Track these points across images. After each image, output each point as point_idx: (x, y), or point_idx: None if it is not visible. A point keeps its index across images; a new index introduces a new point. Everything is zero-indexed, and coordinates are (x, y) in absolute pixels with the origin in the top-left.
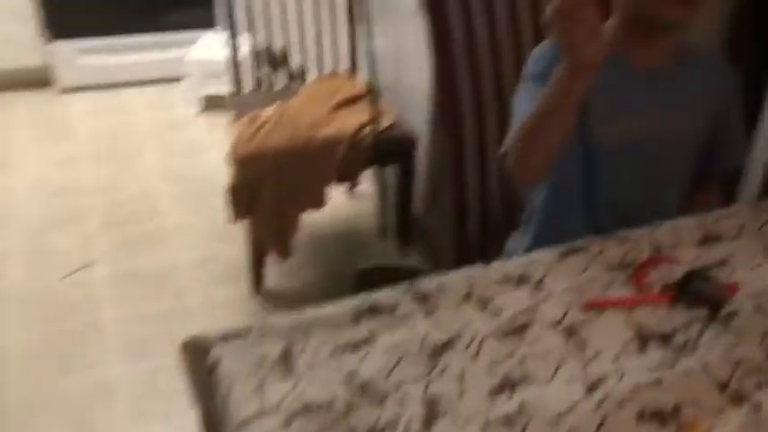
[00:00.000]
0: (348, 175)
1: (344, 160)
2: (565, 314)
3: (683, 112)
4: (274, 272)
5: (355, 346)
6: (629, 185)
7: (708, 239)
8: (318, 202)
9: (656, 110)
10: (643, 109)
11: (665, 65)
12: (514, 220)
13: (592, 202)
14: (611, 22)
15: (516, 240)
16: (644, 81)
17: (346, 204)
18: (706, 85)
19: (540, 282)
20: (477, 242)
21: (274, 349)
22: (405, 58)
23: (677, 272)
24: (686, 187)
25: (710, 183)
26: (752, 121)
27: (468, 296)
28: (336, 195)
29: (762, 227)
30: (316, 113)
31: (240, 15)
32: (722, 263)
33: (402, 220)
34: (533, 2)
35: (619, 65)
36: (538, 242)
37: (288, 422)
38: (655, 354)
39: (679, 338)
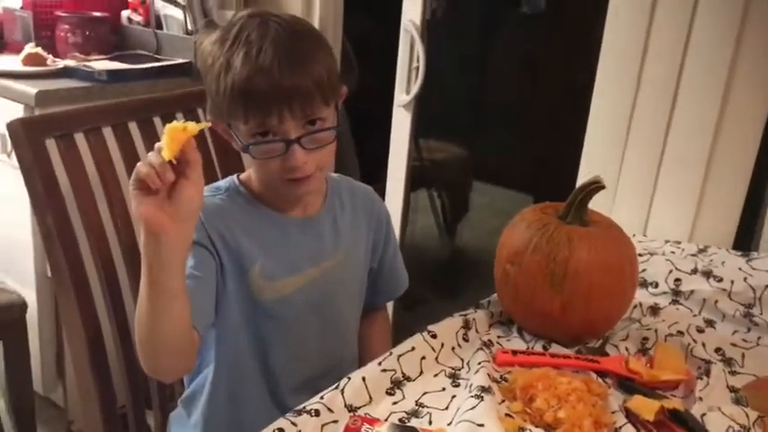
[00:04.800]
0: None
1: None
2: None
3: (347, 254)
4: None
5: None
6: (304, 339)
7: (396, 384)
8: None
9: (320, 259)
10: (306, 261)
11: (319, 209)
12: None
13: (267, 366)
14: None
15: (181, 427)
16: (303, 231)
17: None
18: (360, 217)
19: None
20: (131, 417)
21: None
22: None
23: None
24: (358, 324)
25: (377, 312)
26: None
27: None
28: None
29: (438, 356)
30: None
31: None
32: (416, 412)
33: (20, 403)
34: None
35: (275, 220)
36: (210, 426)
37: None
38: None
39: None
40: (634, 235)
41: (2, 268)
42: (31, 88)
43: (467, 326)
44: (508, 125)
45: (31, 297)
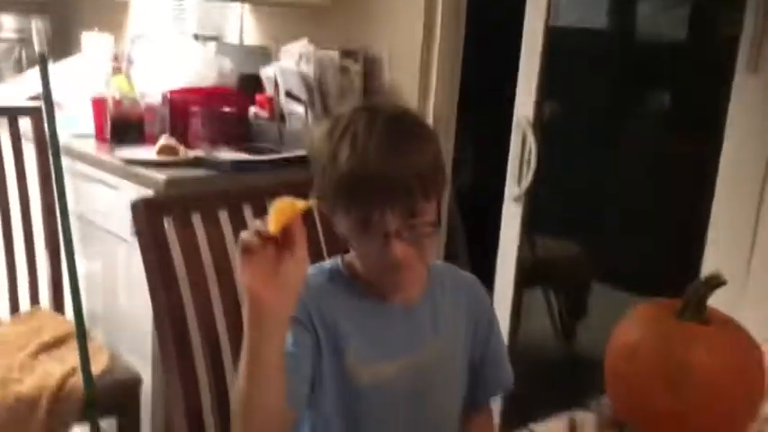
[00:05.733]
0: None
1: (48, 418)
2: None
3: (446, 342)
4: None
5: None
6: (400, 427)
7: None
8: None
9: (418, 346)
10: (403, 347)
11: (419, 297)
12: None
13: None
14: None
15: None
16: (401, 318)
17: None
18: (462, 305)
19: None
20: None
21: None
22: (117, 287)
23: None
24: (458, 418)
25: (481, 409)
26: None
27: None
28: None
29: None
30: (9, 363)
31: None
32: None
33: None
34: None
35: (374, 304)
36: None
37: None
38: None
39: None
40: (766, 339)
41: (124, 344)
42: (161, 176)
43: (573, 427)
44: (633, 225)
45: (147, 374)
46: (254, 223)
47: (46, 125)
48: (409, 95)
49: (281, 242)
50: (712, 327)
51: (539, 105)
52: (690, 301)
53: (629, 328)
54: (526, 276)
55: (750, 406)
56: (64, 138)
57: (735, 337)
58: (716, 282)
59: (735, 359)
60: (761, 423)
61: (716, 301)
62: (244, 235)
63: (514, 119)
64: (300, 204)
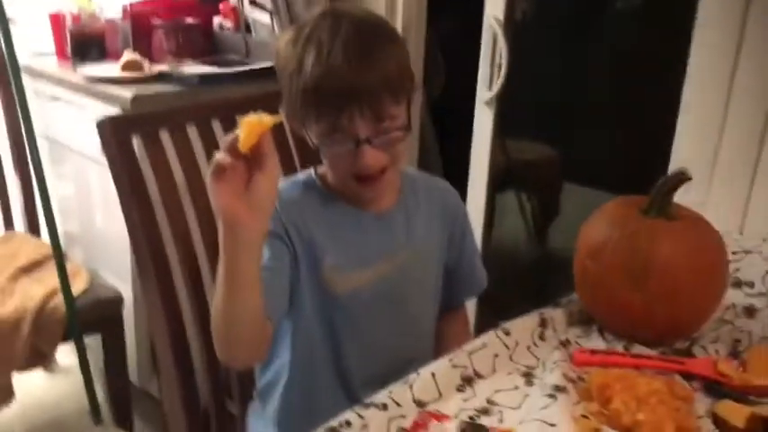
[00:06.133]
0: (40, 356)
1: (33, 339)
2: None
3: (420, 248)
4: None
5: None
6: (376, 334)
7: (467, 381)
8: (5, 396)
9: (392, 253)
10: (378, 254)
11: (393, 204)
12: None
13: (340, 359)
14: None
15: (258, 419)
16: (375, 225)
17: (46, 387)
18: (435, 212)
19: None
20: (211, 407)
21: None
22: (93, 207)
23: (449, 430)
24: (434, 322)
25: (456, 311)
26: None
27: None
28: (31, 381)
29: (512, 354)
30: None
31: None
32: (486, 410)
33: (117, 394)
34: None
35: (348, 213)
36: (285, 417)
37: None
38: None
39: None
40: (729, 232)
41: (102, 264)
42: (127, 93)
43: (543, 324)
44: (602, 125)
45: (127, 292)
46: (224, 140)
47: (3, 44)
48: (376, 3)
49: (252, 159)
50: (677, 222)
51: (509, 5)
52: (655, 197)
53: (595, 226)
54: (499, 179)
55: (712, 297)
56: (23, 57)
57: (698, 232)
58: (681, 178)
59: (698, 253)
60: (722, 312)
61: (683, 197)
62: (216, 155)
63: (485, 20)
64: (268, 119)
